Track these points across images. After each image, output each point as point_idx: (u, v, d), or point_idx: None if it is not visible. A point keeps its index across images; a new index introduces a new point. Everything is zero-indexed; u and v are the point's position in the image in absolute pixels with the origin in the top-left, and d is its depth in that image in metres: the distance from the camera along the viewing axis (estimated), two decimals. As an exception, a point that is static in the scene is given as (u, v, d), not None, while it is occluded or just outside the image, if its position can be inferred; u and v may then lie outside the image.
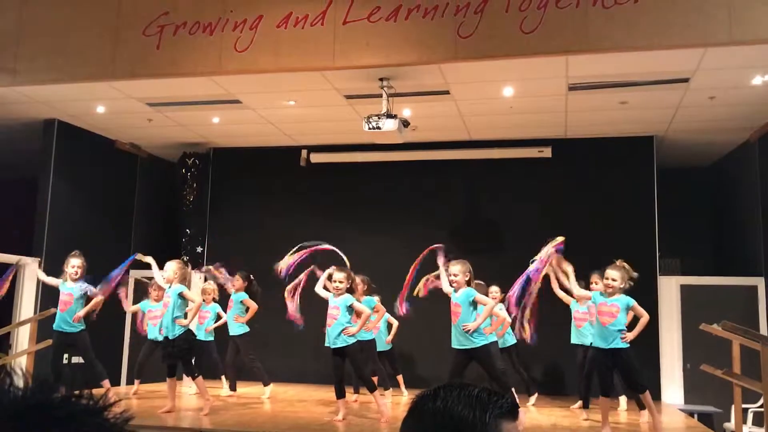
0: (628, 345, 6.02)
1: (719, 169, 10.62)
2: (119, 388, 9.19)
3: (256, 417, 6.47)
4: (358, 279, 7.37)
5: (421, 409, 0.94)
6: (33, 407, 0.69)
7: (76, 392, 0.74)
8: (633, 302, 6.09)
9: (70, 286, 7.21)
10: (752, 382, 6.29)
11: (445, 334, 6.60)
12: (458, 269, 6.32)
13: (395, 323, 8.45)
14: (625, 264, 6.24)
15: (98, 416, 0.72)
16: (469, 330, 6.22)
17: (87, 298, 7.31)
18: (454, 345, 6.34)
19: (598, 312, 6.10)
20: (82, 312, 7.23)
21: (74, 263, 7.16)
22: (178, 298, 6.64)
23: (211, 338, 8.51)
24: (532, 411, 7.48)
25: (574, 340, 7.69)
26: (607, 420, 6.09)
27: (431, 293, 7.25)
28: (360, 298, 7.17)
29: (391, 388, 8.46)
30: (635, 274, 6.21)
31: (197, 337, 8.46)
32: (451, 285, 6.34)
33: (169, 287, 6.72)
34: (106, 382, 7.35)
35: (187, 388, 8.46)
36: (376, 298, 7.67)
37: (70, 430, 0.69)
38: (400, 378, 8.60)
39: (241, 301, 8.20)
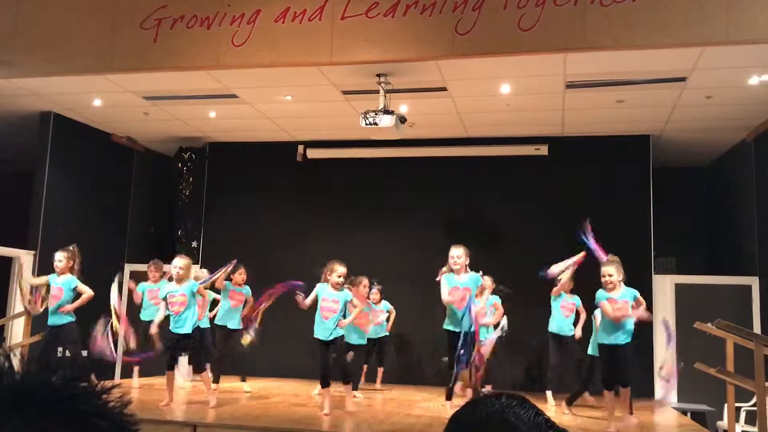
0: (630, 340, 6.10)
1: (715, 169, 10.65)
2: (113, 382, 9.17)
3: (251, 411, 6.48)
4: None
5: (480, 406, 0.99)
6: (33, 388, 0.70)
7: (75, 376, 0.74)
8: (637, 293, 6.15)
9: (61, 281, 7.11)
10: (745, 381, 6.32)
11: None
12: (462, 251, 6.43)
13: (393, 312, 8.63)
14: (614, 257, 6.27)
15: (98, 399, 0.72)
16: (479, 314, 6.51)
17: (77, 293, 7.23)
18: (453, 328, 6.39)
19: (614, 309, 6.05)
20: (70, 306, 7.13)
21: (58, 257, 7.09)
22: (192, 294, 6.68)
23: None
24: None
25: (554, 329, 7.73)
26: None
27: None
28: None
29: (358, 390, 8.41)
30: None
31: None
32: (452, 268, 6.42)
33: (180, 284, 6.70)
34: (92, 377, 7.30)
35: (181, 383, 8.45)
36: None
37: (70, 411, 0.70)
38: (380, 370, 8.64)
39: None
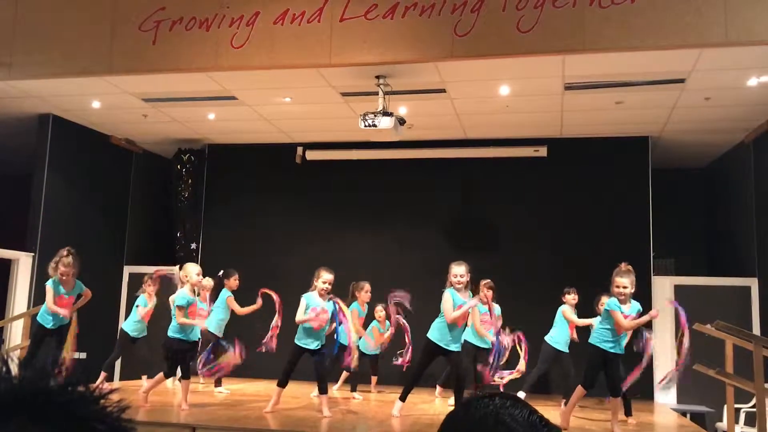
0: None
1: (714, 170, 10.65)
2: (113, 383, 9.17)
3: (250, 413, 6.48)
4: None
5: (474, 407, 0.98)
6: (31, 394, 0.69)
7: (73, 381, 0.74)
8: (640, 307, 6.08)
9: (72, 290, 7.10)
10: (744, 382, 6.33)
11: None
12: (465, 269, 6.30)
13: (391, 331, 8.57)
14: (629, 266, 6.15)
15: (96, 404, 0.72)
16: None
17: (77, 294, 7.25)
18: (439, 342, 6.34)
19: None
20: (73, 307, 7.17)
21: (63, 270, 7.01)
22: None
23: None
24: None
25: (554, 343, 7.70)
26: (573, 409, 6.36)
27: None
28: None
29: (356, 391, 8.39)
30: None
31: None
32: (455, 286, 6.28)
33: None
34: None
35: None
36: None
37: (68, 416, 0.69)
38: (374, 378, 8.63)
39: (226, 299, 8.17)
